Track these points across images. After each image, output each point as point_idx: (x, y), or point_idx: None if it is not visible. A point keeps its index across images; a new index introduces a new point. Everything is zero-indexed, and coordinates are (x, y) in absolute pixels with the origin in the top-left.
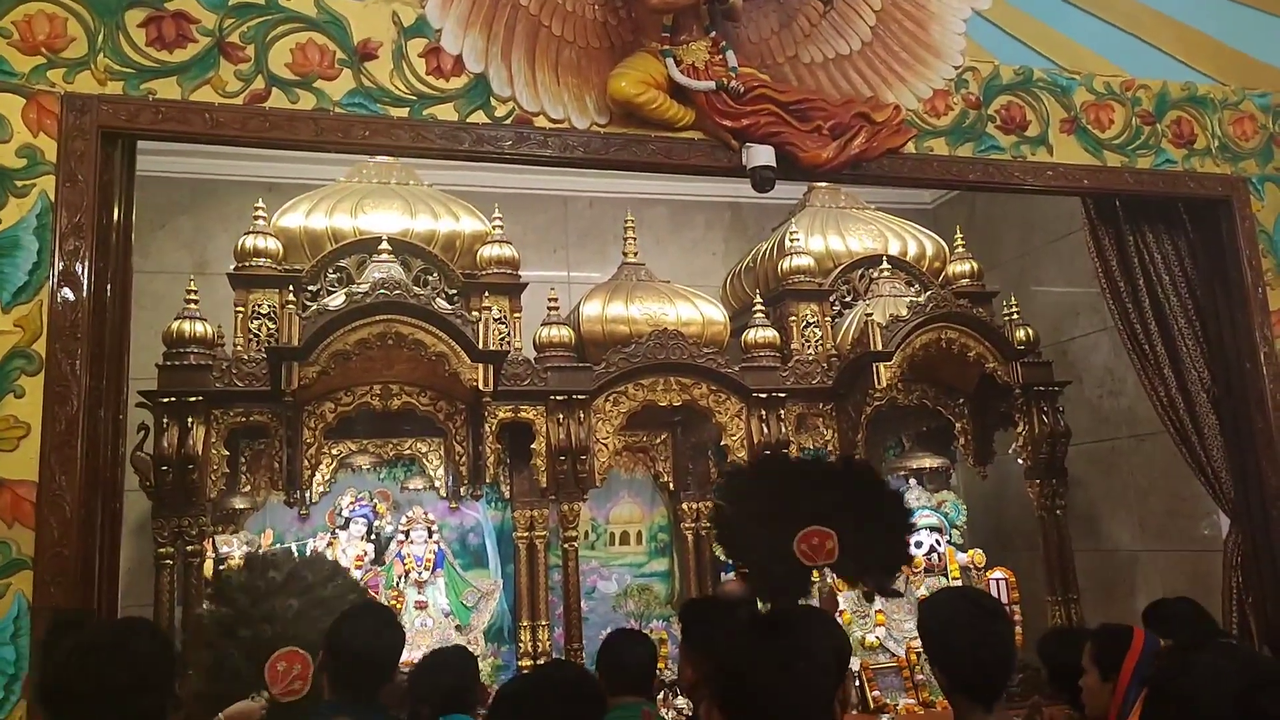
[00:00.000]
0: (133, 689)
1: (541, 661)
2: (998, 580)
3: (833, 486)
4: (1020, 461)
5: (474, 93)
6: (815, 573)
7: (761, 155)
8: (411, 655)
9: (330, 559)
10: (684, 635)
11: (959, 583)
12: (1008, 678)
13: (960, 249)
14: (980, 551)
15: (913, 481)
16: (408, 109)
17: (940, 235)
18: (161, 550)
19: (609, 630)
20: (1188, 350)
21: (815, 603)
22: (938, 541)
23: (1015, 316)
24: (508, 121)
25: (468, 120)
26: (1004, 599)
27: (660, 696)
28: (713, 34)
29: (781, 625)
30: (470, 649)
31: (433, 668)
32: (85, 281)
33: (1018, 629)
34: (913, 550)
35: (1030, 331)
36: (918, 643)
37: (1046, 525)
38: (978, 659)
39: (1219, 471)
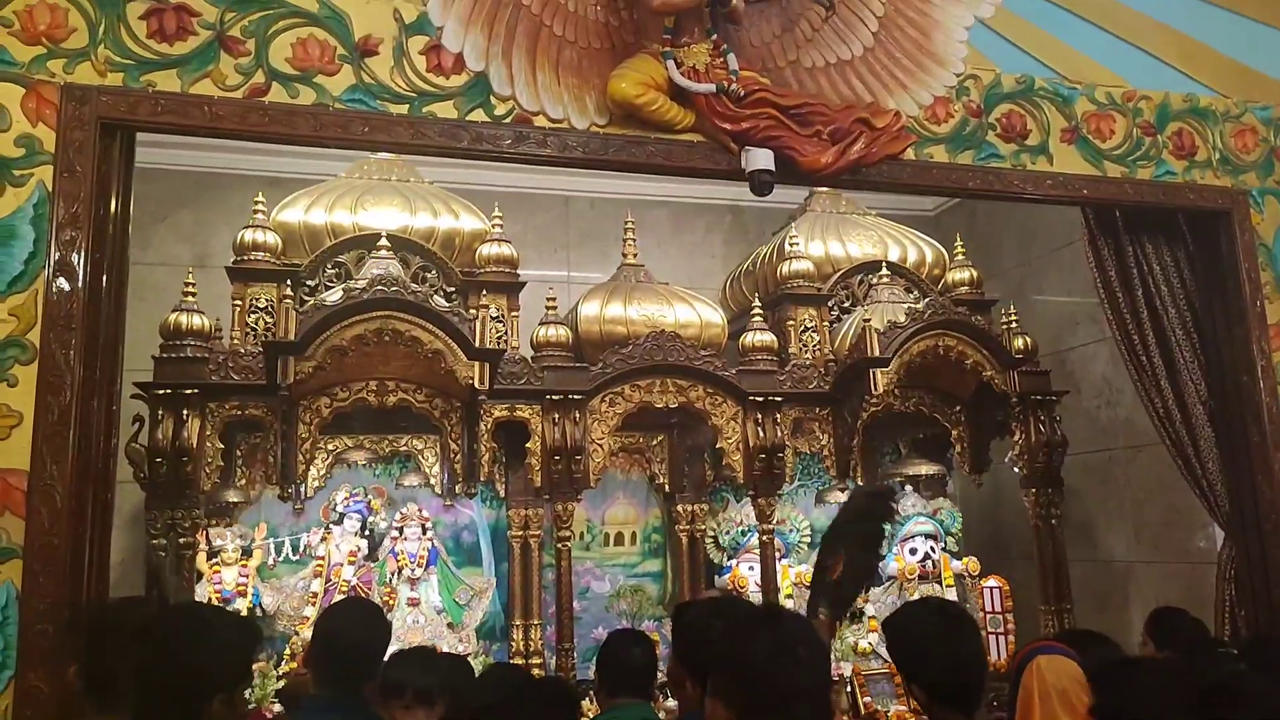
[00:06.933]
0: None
1: (533, 661)
2: (992, 588)
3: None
4: (1016, 470)
5: (474, 91)
6: None
7: (760, 159)
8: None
9: None
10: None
11: (953, 590)
12: (984, 681)
13: (960, 256)
14: (975, 559)
15: (908, 488)
16: (407, 106)
17: (942, 242)
18: (155, 542)
19: (600, 630)
20: (1185, 362)
21: None
22: (932, 549)
23: (1014, 325)
24: (507, 120)
25: (467, 118)
26: (998, 608)
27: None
28: (714, 36)
29: (780, 615)
30: (463, 647)
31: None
32: (81, 272)
33: (1010, 638)
34: (908, 558)
35: (1028, 340)
36: None
37: (1041, 534)
38: (952, 666)
39: (1214, 484)
